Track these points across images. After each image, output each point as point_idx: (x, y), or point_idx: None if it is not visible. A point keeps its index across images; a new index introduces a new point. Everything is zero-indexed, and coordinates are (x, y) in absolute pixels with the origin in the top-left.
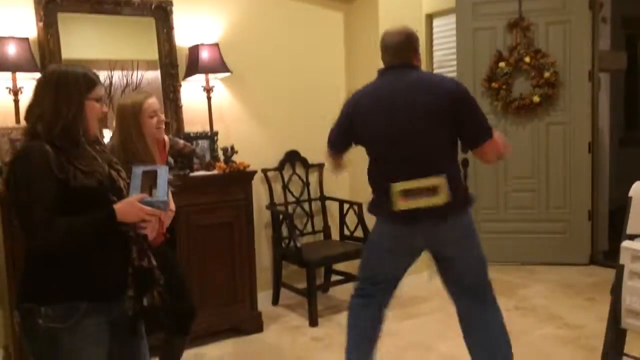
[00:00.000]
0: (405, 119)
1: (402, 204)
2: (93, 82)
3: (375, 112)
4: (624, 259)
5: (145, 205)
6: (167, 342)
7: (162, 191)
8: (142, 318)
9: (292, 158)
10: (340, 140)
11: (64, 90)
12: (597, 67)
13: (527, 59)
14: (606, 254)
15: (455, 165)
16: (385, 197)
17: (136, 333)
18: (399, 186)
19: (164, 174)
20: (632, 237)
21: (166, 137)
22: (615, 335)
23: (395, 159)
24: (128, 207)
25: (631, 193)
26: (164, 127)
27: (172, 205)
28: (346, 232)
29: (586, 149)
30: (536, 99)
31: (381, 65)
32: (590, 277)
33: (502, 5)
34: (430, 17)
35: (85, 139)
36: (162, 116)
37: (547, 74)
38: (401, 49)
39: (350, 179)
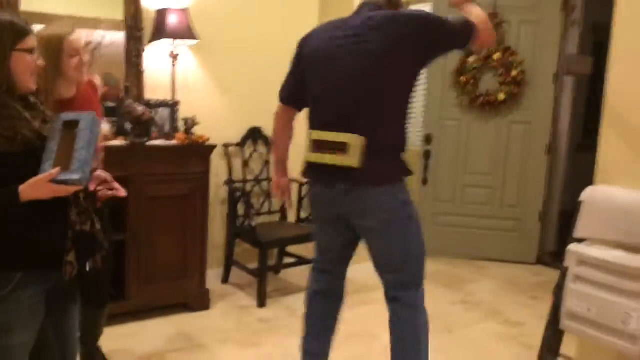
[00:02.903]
0: (350, 59)
1: (311, 156)
2: (22, 31)
3: (322, 48)
4: (569, 261)
5: (58, 183)
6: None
7: (80, 161)
8: (81, 284)
9: (255, 135)
10: (291, 85)
11: None
12: (563, 70)
13: (497, 56)
14: (553, 255)
15: (393, 128)
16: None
17: (72, 300)
18: (314, 134)
19: (87, 128)
20: (579, 241)
21: (96, 78)
22: (553, 335)
23: (322, 104)
24: (35, 189)
25: (582, 197)
26: (86, 68)
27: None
28: (303, 215)
29: (544, 150)
30: (501, 96)
31: None
32: (536, 276)
33: None
34: (406, 5)
35: (10, 96)
36: (86, 57)
37: (514, 72)
38: None
39: None
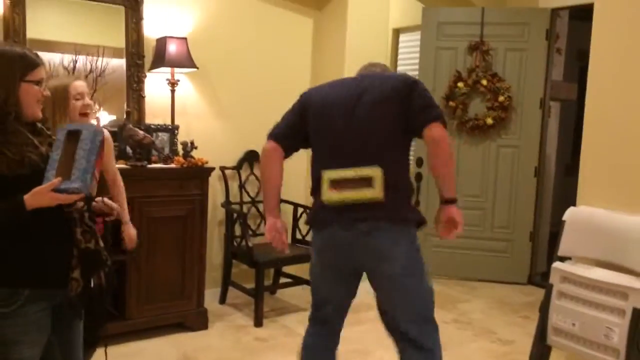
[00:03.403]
0: (350, 106)
1: (332, 196)
2: (32, 63)
3: (327, 101)
4: (553, 279)
5: (59, 192)
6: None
7: (80, 170)
8: (85, 300)
9: (251, 158)
10: (286, 127)
11: None
12: (549, 95)
13: (484, 82)
14: (544, 275)
15: (401, 167)
16: (319, 193)
17: (77, 315)
18: (330, 174)
19: (88, 138)
20: (562, 259)
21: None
22: (540, 351)
23: (333, 148)
24: (38, 197)
25: (565, 217)
26: (90, 113)
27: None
28: (298, 236)
29: (532, 173)
30: (489, 120)
31: (345, 73)
32: (527, 296)
33: (466, 27)
34: (397, 32)
35: (19, 123)
36: (89, 101)
37: (501, 98)
38: (371, 65)
39: (305, 183)
